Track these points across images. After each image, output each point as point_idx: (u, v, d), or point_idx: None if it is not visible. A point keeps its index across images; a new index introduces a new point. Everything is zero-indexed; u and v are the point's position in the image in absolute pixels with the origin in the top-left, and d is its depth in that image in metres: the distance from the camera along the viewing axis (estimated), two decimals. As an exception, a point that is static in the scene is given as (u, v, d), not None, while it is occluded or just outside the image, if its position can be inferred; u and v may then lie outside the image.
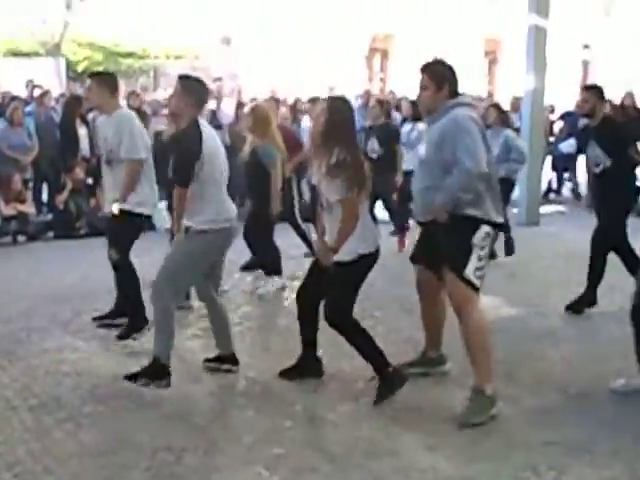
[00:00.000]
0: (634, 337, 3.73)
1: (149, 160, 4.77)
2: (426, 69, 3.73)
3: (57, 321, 5.31)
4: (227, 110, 10.25)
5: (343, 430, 3.44)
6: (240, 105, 9.89)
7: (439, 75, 3.68)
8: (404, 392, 3.70)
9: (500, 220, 3.62)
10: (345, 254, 3.60)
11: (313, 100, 5.67)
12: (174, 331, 3.89)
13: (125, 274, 4.75)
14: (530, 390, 3.67)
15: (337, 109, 3.75)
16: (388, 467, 3.06)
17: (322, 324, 3.86)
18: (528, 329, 4.97)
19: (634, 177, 5.45)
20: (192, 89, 3.95)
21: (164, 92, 11.69)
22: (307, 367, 4.06)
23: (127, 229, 4.74)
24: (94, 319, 5.18)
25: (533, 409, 3.55)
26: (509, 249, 6.88)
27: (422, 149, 3.78)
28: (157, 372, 3.78)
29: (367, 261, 3.66)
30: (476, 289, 3.51)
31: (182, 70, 13.24)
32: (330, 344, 4.14)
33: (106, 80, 4.83)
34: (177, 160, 3.86)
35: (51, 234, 8.62)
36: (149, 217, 4.99)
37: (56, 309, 5.60)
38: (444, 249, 3.55)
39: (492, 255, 4.43)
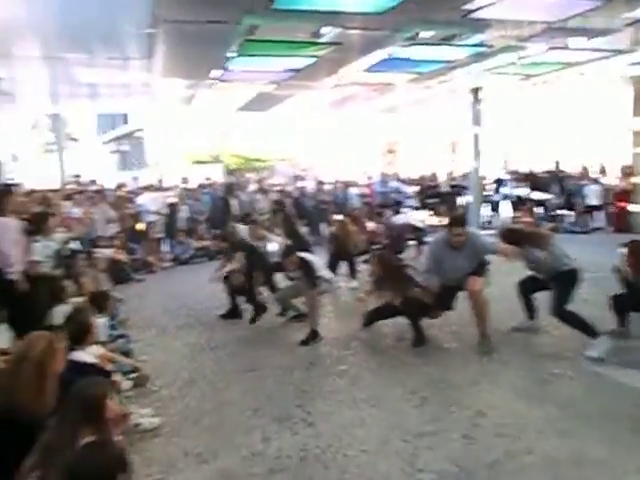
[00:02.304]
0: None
1: None
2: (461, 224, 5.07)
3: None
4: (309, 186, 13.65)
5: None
6: (319, 183, 13.40)
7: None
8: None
9: None
10: None
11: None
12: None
13: None
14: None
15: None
16: (403, 374, 4.50)
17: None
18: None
19: None
20: None
21: (277, 179, 17.15)
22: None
23: None
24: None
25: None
26: None
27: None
28: (315, 335, 5.43)
29: None
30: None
31: (286, 167, 22.13)
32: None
33: None
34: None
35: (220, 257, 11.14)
36: None
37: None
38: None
39: None
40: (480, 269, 5.07)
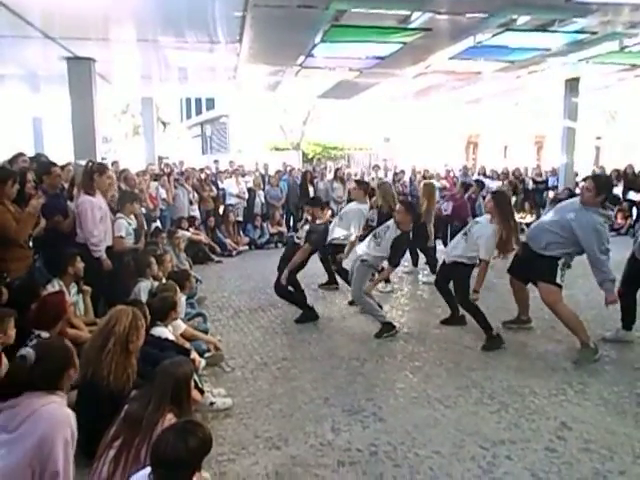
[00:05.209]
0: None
1: None
2: (594, 177, 4.61)
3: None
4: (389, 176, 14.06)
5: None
6: (395, 174, 13.66)
7: (600, 184, 4.38)
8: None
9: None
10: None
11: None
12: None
13: None
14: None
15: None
16: (481, 377, 4.29)
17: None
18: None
19: None
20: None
21: (354, 168, 17.47)
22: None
23: None
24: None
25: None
26: None
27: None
28: (388, 327, 5.31)
29: None
30: (560, 287, 4.56)
31: (364, 156, 23.13)
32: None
33: None
34: None
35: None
36: None
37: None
38: (540, 270, 4.58)
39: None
40: (546, 271, 4.55)
